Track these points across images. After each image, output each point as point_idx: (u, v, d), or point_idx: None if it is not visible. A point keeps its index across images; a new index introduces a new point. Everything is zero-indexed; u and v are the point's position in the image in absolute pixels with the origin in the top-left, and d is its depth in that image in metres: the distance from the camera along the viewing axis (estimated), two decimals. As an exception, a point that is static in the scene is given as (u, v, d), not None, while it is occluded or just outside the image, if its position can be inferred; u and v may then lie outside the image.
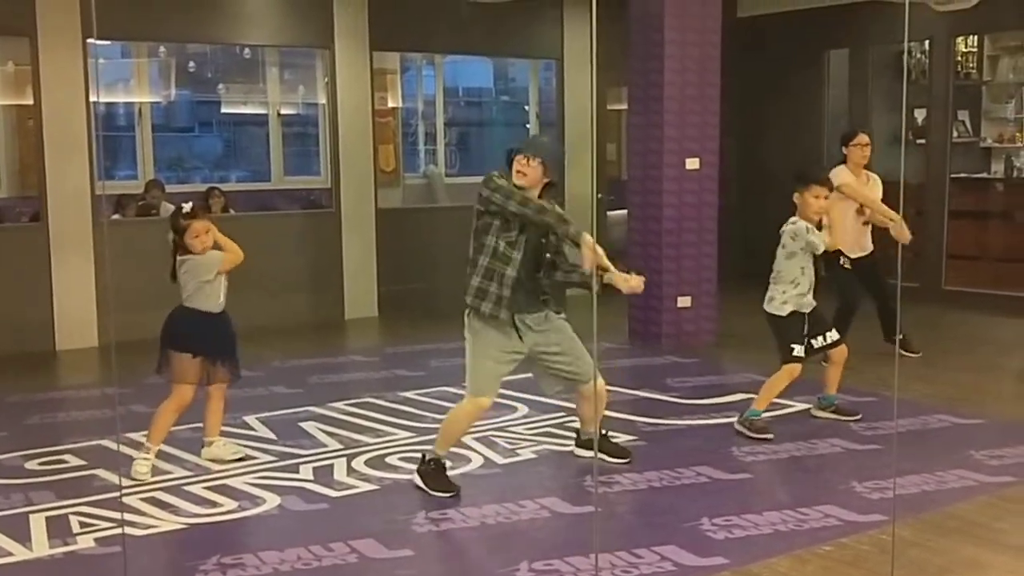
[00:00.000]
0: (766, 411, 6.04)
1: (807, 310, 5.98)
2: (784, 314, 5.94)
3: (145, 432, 5.49)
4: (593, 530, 4.36)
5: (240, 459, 5.54)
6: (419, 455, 5.26)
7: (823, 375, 6.30)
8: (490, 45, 11.23)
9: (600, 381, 5.23)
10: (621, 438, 5.87)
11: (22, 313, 8.58)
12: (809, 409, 6.38)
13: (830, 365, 6.26)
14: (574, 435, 5.72)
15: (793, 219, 5.97)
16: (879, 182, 7.69)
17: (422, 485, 5.06)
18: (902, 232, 6.73)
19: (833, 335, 6.12)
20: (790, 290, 5.93)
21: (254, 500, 4.97)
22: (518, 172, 5.00)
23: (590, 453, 5.49)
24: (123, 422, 6.19)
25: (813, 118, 11.71)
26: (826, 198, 5.96)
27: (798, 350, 5.93)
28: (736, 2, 11.20)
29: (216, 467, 5.44)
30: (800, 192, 5.95)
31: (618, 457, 5.44)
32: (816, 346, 6.04)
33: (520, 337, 5.03)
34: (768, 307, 6.01)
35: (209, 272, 5.32)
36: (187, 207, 5.36)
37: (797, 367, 5.95)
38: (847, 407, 6.31)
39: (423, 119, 12.66)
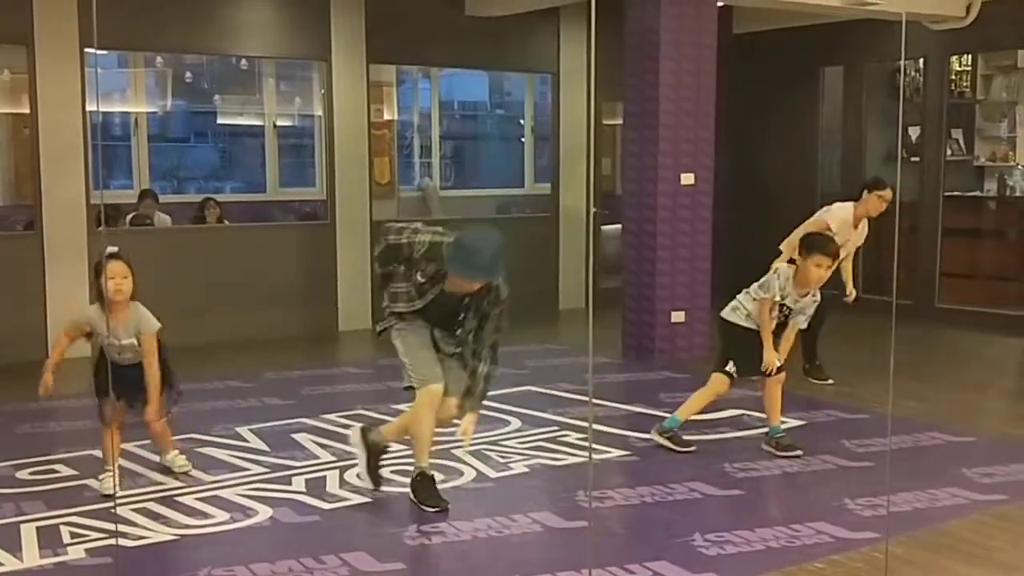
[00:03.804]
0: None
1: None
2: (740, 323, 5.88)
3: (137, 442, 5.47)
4: (589, 545, 4.35)
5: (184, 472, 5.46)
6: (411, 468, 5.25)
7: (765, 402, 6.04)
8: (486, 59, 11.27)
9: (453, 400, 5.04)
10: (615, 452, 5.88)
11: (14, 322, 8.55)
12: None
13: (765, 391, 6.00)
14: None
15: (779, 266, 5.92)
16: (865, 230, 7.61)
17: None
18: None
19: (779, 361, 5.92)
20: (745, 308, 5.88)
21: (246, 512, 4.95)
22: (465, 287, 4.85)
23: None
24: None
25: (808, 134, 11.76)
26: (828, 268, 5.82)
27: (731, 367, 5.84)
28: (732, 18, 11.25)
29: (208, 478, 5.42)
30: (804, 258, 5.81)
31: (430, 505, 5.01)
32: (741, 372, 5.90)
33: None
34: (728, 314, 5.94)
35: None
36: (112, 249, 5.16)
37: (726, 383, 5.89)
38: (786, 440, 5.95)
39: (419, 132, 12.68)
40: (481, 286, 4.83)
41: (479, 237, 4.76)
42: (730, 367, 5.87)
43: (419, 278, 4.91)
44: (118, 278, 5.09)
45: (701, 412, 6.08)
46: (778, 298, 5.81)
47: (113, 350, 5.17)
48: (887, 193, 7.40)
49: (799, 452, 5.85)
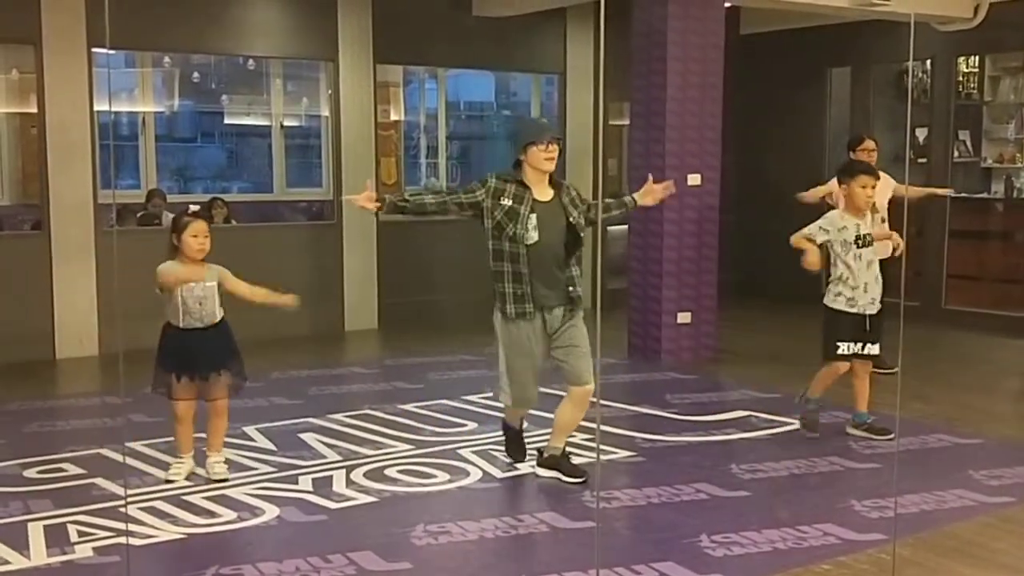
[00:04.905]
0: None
1: (865, 311, 5.98)
2: (835, 307, 5.99)
3: (145, 441, 5.49)
4: (595, 546, 4.36)
5: (220, 480, 5.38)
6: (418, 467, 5.27)
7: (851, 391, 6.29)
8: (493, 59, 11.27)
9: (589, 386, 5.30)
10: (621, 453, 5.88)
11: (22, 321, 8.57)
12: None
13: (854, 377, 6.21)
14: (536, 453, 5.66)
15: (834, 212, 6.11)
16: (890, 180, 7.63)
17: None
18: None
19: (872, 348, 6.07)
20: (841, 284, 5.98)
21: (253, 511, 4.96)
22: (548, 159, 5.14)
23: (550, 473, 5.46)
24: (124, 431, 6.19)
25: (815, 135, 11.74)
26: (873, 187, 6.04)
27: (843, 348, 5.95)
28: (739, 19, 11.24)
29: (215, 477, 5.43)
30: (847, 183, 6.03)
31: (574, 477, 5.38)
32: (851, 351, 6.04)
33: (546, 331, 5.20)
34: (825, 299, 6.09)
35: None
36: (194, 208, 5.43)
37: (841, 366, 6.00)
38: (879, 425, 6.20)
39: (425, 132, 12.67)
40: (558, 187, 5.24)
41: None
42: (842, 349, 5.97)
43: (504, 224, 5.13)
44: (201, 236, 5.26)
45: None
46: (810, 229, 5.97)
47: (191, 305, 5.24)
48: (869, 144, 7.75)
49: (891, 435, 6.05)
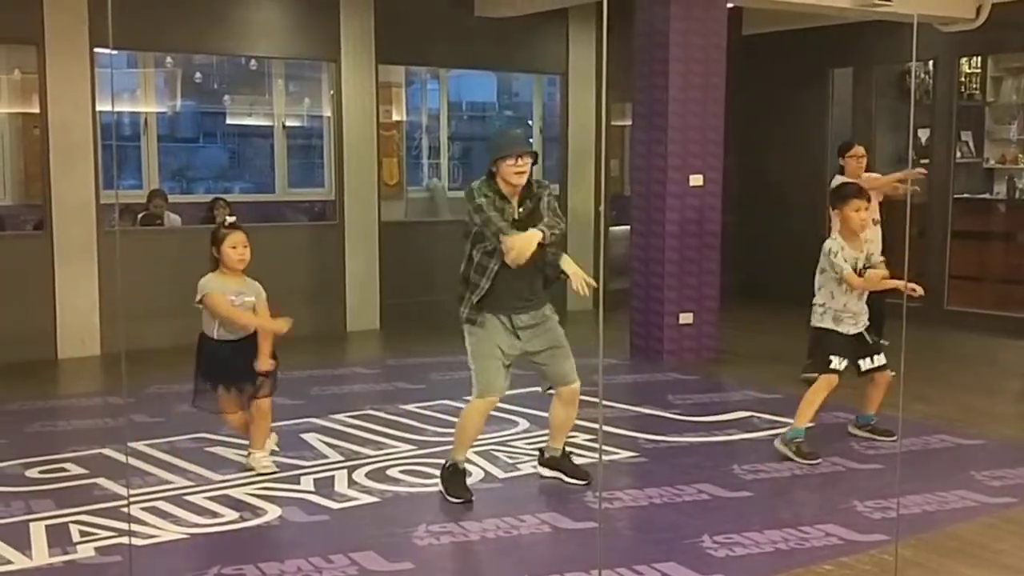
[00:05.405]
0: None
1: (850, 331, 5.90)
2: (822, 325, 5.92)
3: (147, 441, 5.50)
4: (597, 546, 4.36)
5: (269, 473, 5.50)
6: (419, 467, 5.27)
7: (863, 394, 6.23)
8: (495, 59, 11.28)
9: (575, 385, 5.24)
10: (623, 454, 5.88)
11: (24, 321, 8.58)
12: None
13: (872, 386, 6.16)
14: (538, 453, 5.63)
15: (834, 236, 6.01)
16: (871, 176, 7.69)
17: (441, 488, 5.12)
18: None
19: (880, 359, 6.03)
20: (828, 302, 5.90)
21: (255, 511, 4.97)
22: (518, 174, 5.02)
23: (552, 473, 5.45)
24: (126, 431, 6.20)
25: (817, 136, 11.73)
26: (866, 209, 5.96)
27: (836, 362, 5.85)
28: (741, 20, 11.24)
29: (217, 477, 5.44)
30: (840, 209, 5.96)
31: (576, 478, 5.36)
32: (863, 368, 5.99)
33: (517, 336, 5.09)
34: (812, 319, 6.01)
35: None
36: (231, 219, 5.46)
37: (834, 378, 5.89)
38: (882, 426, 6.20)
39: (427, 133, 12.68)
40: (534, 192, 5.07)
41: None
42: (835, 363, 5.85)
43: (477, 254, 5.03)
44: (240, 247, 5.31)
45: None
46: (847, 266, 5.82)
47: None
48: (858, 150, 7.79)
49: (894, 436, 6.03)
